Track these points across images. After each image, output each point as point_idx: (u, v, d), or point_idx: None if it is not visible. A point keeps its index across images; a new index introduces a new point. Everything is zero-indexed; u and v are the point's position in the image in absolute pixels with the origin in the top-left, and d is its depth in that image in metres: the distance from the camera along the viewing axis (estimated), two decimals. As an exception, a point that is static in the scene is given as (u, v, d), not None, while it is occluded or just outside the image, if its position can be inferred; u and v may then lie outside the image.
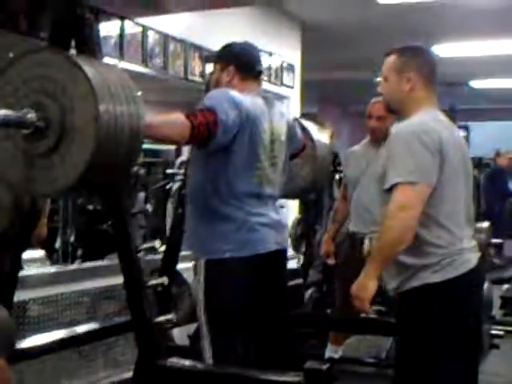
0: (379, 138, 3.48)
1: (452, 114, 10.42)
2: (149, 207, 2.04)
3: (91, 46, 1.84)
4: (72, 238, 3.98)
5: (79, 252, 4.14)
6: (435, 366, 1.95)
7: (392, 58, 2.11)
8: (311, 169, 2.79)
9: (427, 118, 2.02)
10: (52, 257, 3.64)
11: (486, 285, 3.36)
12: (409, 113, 2.06)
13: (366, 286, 1.96)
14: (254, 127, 2.14)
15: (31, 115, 1.61)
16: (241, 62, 2.25)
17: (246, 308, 2.14)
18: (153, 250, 1.88)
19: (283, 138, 2.30)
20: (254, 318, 2.19)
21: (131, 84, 1.70)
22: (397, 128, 2.04)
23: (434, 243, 1.96)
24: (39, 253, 3.27)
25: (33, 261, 3.16)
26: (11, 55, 1.72)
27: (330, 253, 3.75)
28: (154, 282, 1.88)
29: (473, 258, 2.03)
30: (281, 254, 2.28)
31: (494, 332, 3.50)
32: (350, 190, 3.56)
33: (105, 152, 1.60)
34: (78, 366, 2.84)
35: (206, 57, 2.57)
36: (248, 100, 2.15)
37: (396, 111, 2.15)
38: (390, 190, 1.93)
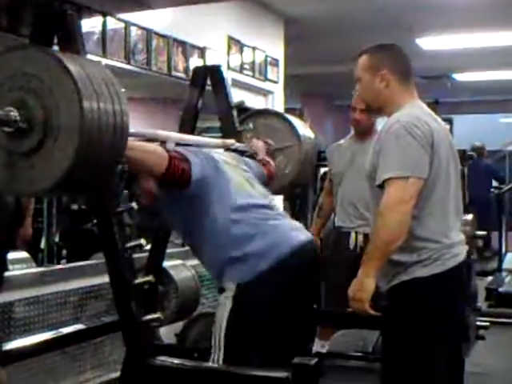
0: (362, 130, 3.48)
1: (435, 106, 10.48)
2: (134, 205, 2.03)
3: (74, 43, 1.82)
4: (57, 238, 3.94)
5: (64, 252, 4.11)
6: (422, 358, 1.96)
7: (363, 58, 2.10)
8: (296, 165, 2.79)
9: (416, 111, 2.01)
10: (37, 257, 3.61)
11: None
12: (390, 110, 2.05)
13: (363, 285, 1.92)
14: (214, 162, 2.16)
15: (14, 113, 1.59)
16: None
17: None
18: (139, 247, 1.87)
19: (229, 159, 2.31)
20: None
21: (115, 81, 1.68)
22: (387, 123, 2.02)
23: (425, 237, 1.96)
24: (24, 254, 3.24)
25: (18, 262, 3.13)
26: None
27: (317, 247, 3.76)
28: (140, 280, 1.86)
29: (461, 253, 2.03)
30: (311, 244, 2.19)
31: (479, 323, 3.53)
32: (335, 185, 3.56)
33: (89, 151, 1.58)
34: (65, 367, 2.81)
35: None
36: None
37: (376, 110, 2.14)
38: (382, 186, 1.92)
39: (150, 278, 1.88)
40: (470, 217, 4.07)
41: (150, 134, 2.14)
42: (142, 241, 1.88)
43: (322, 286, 3.70)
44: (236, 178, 2.18)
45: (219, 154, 2.28)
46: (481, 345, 3.68)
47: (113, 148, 1.63)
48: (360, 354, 3.85)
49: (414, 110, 2.02)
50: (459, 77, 8.72)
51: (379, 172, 1.92)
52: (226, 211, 2.06)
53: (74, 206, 4.17)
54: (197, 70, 2.89)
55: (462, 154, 4.18)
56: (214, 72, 2.78)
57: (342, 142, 3.68)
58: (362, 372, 3.67)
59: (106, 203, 1.85)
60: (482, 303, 4.30)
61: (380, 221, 1.91)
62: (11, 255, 3.06)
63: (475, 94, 10.13)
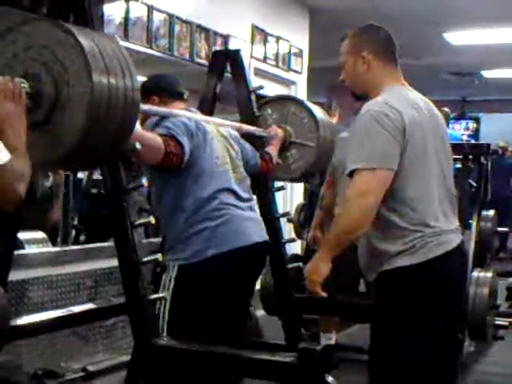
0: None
1: (462, 104, 10.32)
2: (144, 182, 2.02)
3: (88, 17, 1.81)
4: (75, 222, 3.98)
5: (82, 236, 4.15)
6: (406, 349, 1.89)
7: (345, 42, 2.04)
8: (306, 164, 2.77)
9: (389, 97, 1.92)
10: (55, 240, 3.63)
11: (489, 275, 3.33)
12: (374, 93, 1.97)
13: (317, 269, 1.93)
14: (201, 138, 2.16)
15: (24, 85, 1.59)
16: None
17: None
18: (149, 225, 1.86)
19: (226, 134, 2.32)
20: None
21: (128, 56, 1.67)
22: (361, 111, 1.95)
23: (405, 227, 1.88)
24: (40, 234, 3.26)
25: (34, 242, 3.14)
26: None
27: (318, 239, 3.68)
28: (147, 258, 1.85)
29: (451, 241, 1.95)
30: (263, 247, 2.26)
31: (498, 323, 3.46)
32: (337, 176, 3.47)
33: (98, 124, 1.58)
34: (76, 348, 2.82)
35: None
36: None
37: (363, 96, 2.05)
38: (351, 175, 1.87)
39: (157, 256, 1.87)
40: (491, 212, 4.00)
41: (164, 112, 2.13)
42: (151, 218, 1.87)
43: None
44: (221, 153, 2.21)
45: (216, 126, 2.29)
46: (501, 345, 3.61)
47: (122, 123, 1.62)
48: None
49: (388, 96, 1.93)
50: (488, 74, 8.57)
51: (348, 162, 1.89)
52: (197, 192, 2.11)
53: (94, 190, 4.20)
54: (216, 54, 2.89)
55: (486, 149, 4.11)
56: (234, 57, 2.77)
57: (344, 134, 3.60)
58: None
59: (115, 179, 1.84)
60: (502, 303, 4.22)
61: (343, 210, 1.90)
62: (28, 235, 3.09)
63: (504, 92, 9.95)
